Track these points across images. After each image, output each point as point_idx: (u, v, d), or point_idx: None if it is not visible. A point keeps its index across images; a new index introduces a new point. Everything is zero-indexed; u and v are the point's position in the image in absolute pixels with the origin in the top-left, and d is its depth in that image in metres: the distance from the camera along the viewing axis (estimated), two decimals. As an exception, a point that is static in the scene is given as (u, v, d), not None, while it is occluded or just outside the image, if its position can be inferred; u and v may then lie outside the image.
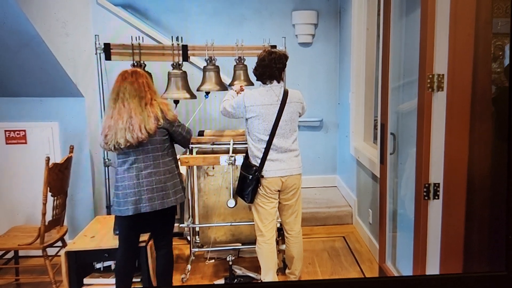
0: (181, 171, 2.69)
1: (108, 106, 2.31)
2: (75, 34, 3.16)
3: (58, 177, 2.68)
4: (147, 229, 2.44)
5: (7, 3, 2.40)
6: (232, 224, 3.04)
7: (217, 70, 3.18)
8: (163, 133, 2.32)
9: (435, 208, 2.11)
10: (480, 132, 2.11)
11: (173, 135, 2.38)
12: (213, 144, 3.11)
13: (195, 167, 3.05)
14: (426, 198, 2.10)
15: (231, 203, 2.79)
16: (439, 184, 2.08)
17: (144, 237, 2.50)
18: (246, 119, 2.57)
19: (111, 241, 2.46)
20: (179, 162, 2.88)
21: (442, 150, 2.04)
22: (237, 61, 3.21)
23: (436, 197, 2.10)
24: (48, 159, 2.58)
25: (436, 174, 2.08)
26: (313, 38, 4.64)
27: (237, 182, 2.68)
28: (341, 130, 4.59)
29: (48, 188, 2.60)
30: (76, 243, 2.49)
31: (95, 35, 3.09)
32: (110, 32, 3.61)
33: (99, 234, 2.60)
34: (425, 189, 2.09)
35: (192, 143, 3.04)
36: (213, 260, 3.19)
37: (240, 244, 3.17)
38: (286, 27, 4.57)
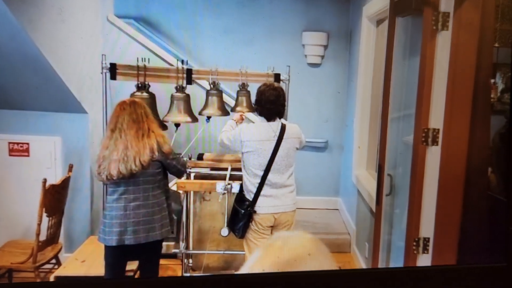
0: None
1: (105, 136, 2.34)
2: (84, 53, 3.21)
3: (54, 198, 2.72)
4: (134, 258, 2.47)
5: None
6: (225, 252, 3.04)
7: (220, 95, 3.18)
8: (156, 165, 2.33)
9: (424, 262, 2.07)
10: (477, 188, 2.07)
11: (168, 168, 2.40)
12: (212, 169, 3.11)
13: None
14: (415, 252, 2.07)
15: (225, 232, 2.78)
16: (429, 238, 2.05)
17: (132, 265, 2.51)
18: (242, 153, 2.57)
19: (101, 267, 2.48)
20: (176, 186, 2.91)
21: (434, 205, 2.01)
22: (241, 87, 3.20)
23: (425, 252, 2.06)
24: (44, 181, 2.62)
25: (427, 229, 2.04)
26: (322, 59, 4.60)
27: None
28: (346, 153, 4.55)
29: (44, 209, 2.64)
30: (66, 268, 2.53)
31: (102, 55, 3.12)
32: (118, 48, 3.64)
33: (90, 258, 2.63)
34: (414, 243, 2.06)
35: (190, 167, 3.06)
36: (205, 285, 3.19)
37: (234, 271, 3.17)
38: (295, 47, 4.54)
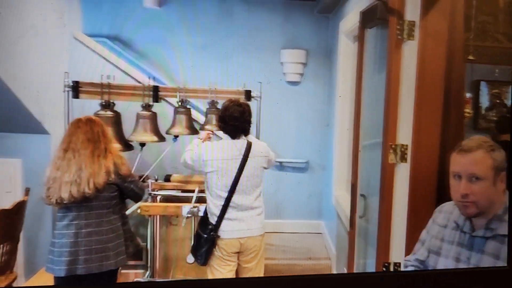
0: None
1: (56, 156, 2.18)
2: (45, 72, 3.07)
3: (5, 224, 2.52)
4: None
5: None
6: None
7: (188, 113, 3.05)
8: (112, 189, 2.17)
9: None
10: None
11: (124, 191, 2.24)
12: (179, 191, 2.95)
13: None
14: (387, 278, 1.90)
15: (190, 259, 2.59)
16: (400, 263, 1.88)
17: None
18: (206, 173, 2.41)
19: (51, 300, 2.28)
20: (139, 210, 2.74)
21: (404, 228, 1.85)
22: (210, 105, 3.07)
23: (398, 278, 1.89)
24: (-8, 207, 2.44)
25: (398, 253, 1.88)
26: (301, 77, 4.51)
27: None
28: (328, 174, 4.40)
29: (-7, 236, 2.45)
30: (13, 300, 2.32)
31: (65, 73, 2.98)
32: (86, 67, 3.51)
33: (42, 289, 2.42)
34: (384, 270, 1.89)
35: (155, 190, 2.90)
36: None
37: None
38: (274, 64, 4.45)
